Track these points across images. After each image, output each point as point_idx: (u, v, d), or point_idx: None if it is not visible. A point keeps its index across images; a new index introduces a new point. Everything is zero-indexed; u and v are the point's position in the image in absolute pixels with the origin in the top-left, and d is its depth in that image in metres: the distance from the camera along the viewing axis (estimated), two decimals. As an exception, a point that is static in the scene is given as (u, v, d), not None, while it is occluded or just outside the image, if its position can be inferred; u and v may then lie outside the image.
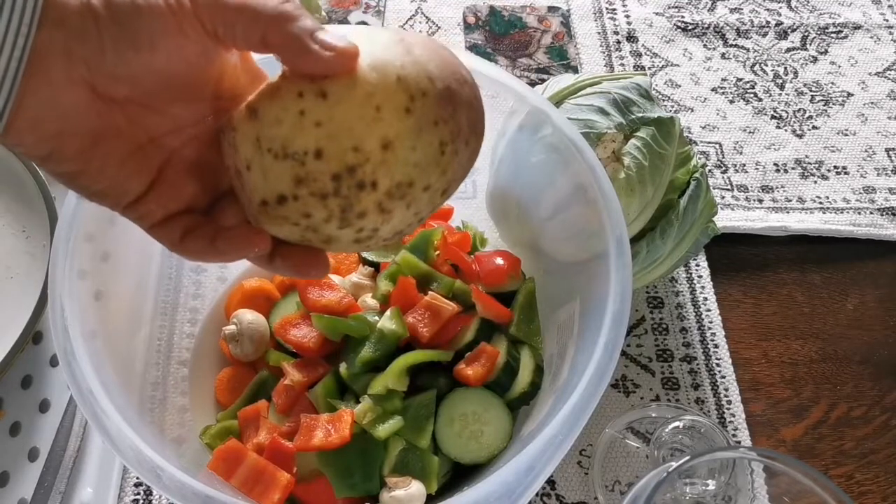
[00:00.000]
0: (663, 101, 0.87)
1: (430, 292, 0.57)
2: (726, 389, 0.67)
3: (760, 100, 0.87)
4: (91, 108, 0.32)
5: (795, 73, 0.90)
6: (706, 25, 0.94)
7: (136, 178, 0.34)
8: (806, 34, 0.94)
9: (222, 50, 0.34)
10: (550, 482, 0.62)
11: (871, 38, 0.93)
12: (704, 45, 0.92)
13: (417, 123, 0.33)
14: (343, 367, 0.55)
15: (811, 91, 0.88)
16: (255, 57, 0.37)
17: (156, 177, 0.35)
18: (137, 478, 0.60)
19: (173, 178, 0.36)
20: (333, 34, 0.32)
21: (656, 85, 0.88)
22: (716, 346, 0.70)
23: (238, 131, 0.34)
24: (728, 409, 0.66)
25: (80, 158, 0.32)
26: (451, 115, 0.34)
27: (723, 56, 0.91)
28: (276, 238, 0.36)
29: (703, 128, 0.85)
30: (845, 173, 0.82)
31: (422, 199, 0.35)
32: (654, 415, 0.64)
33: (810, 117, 0.86)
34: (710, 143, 0.84)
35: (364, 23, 0.93)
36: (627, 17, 0.95)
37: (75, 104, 0.31)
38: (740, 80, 0.89)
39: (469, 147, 0.36)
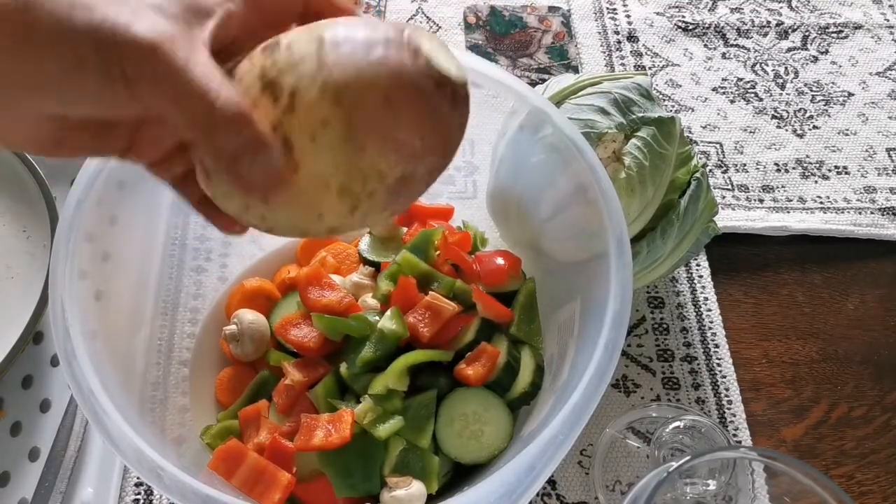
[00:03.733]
0: (664, 100, 0.87)
1: (430, 292, 0.57)
2: (727, 389, 0.67)
3: (761, 99, 0.87)
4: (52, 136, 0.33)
5: (796, 73, 0.90)
6: (707, 25, 0.94)
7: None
8: (807, 34, 0.94)
9: None
10: (551, 482, 0.62)
11: (872, 37, 0.93)
12: (705, 45, 0.92)
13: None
14: (343, 367, 0.55)
15: (812, 91, 0.88)
16: None
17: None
18: (138, 478, 0.60)
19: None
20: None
21: (657, 85, 0.88)
22: (716, 345, 0.69)
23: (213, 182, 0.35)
24: (729, 408, 0.66)
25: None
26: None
27: (723, 56, 0.91)
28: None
29: (704, 128, 0.85)
30: (846, 173, 0.82)
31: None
32: (654, 415, 0.64)
33: (811, 117, 0.86)
34: (710, 142, 0.84)
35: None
36: (628, 16, 0.95)
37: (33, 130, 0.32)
38: (741, 79, 0.89)
39: (423, 181, 0.36)
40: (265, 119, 0.32)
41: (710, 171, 0.81)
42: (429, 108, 0.33)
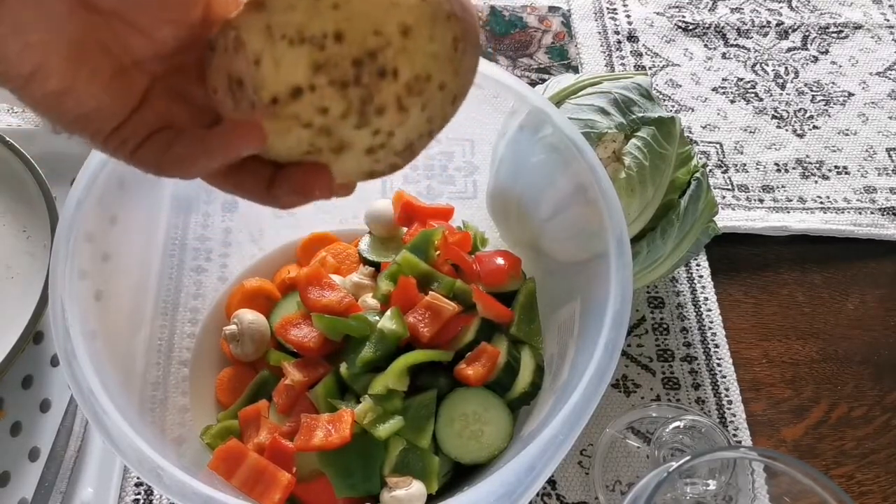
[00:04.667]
0: (664, 100, 0.87)
1: (430, 292, 0.57)
2: (727, 389, 0.67)
3: (761, 99, 0.87)
4: (74, 14, 0.29)
5: (796, 73, 0.90)
6: (707, 25, 0.94)
7: (120, 100, 0.32)
8: (807, 34, 0.94)
9: None
10: (551, 482, 0.62)
11: (872, 37, 0.93)
12: (705, 45, 0.92)
13: (433, 12, 0.32)
14: (343, 367, 0.55)
15: (812, 91, 0.88)
16: None
17: (138, 102, 0.33)
18: (138, 478, 0.60)
19: (157, 105, 0.33)
20: None
21: (657, 85, 0.88)
22: (716, 345, 0.69)
23: (243, 26, 0.31)
24: (729, 408, 0.66)
25: (67, 73, 0.30)
26: (460, 12, 0.33)
27: (723, 56, 0.91)
28: (273, 164, 0.34)
29: (704, 128, 0.85)
30: (846, 173, 0.82)
31: (436, 100, 0.33)
32: (654, 415, 0.64)
33: (811, 117, 0.86)
34: (710, 142, 0.84)
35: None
36: (628, 16, 0.95)
37: (58, 9, 0.29)
38: (741, 79, 0.89)
39: (474, 56, 0.34)
40: None
41: (710, 171, 0.81)
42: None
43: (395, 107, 0.32)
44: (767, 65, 0.90)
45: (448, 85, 0.33)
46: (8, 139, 0.69)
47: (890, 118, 0.86)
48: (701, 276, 0.74)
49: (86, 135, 0.32)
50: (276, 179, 0.33)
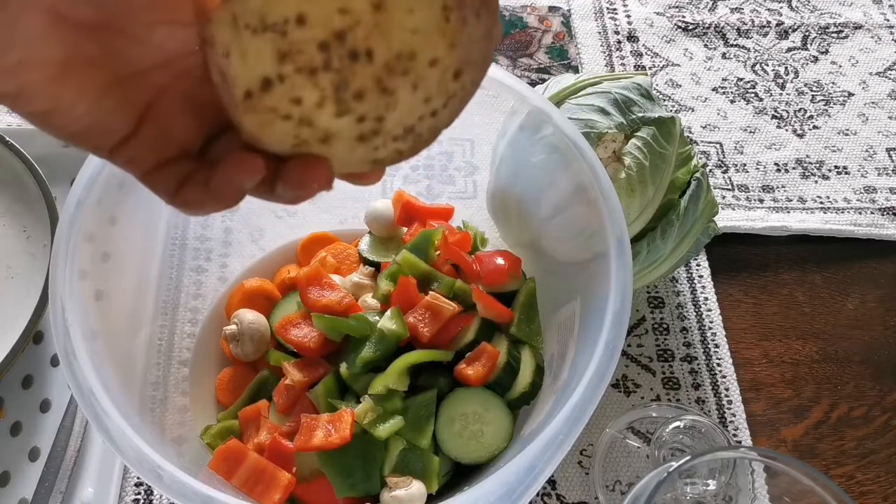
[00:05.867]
0: (664, 100, 0.87)
1: (430, 292, 0.57)
2: (727, 389, 0.67)
3: (761, 99, 0.87)
4: (54, 34, 0.28)
5: (796, 73, 0.90)
6: (707, 25, 0.94)
7: (117, 115, 0.31)
8: (807, 34, 0.94)
9: None
10: (551, 482, 0.62)
11: (872, 37, 0.93)
12: (705, 45, 0.92)
13: None
14: (343, 367, 0.55)
15: (812, 91, 0.88)
16: None
17: (143, 114, 0.32)
18: (138, 477, 0.60)
19: (164, 116, 0.32)
20: None
21: (657, 85, 0.88)
22: (716, 345, 0.70)
23: (214, 20, 0.29)
24: (728, 408, 0.66)
25: (50, 93, 0.29)
26: None
27: (723, 56, 0.91)
28: (272, 162, 0.32)
29: (704, 127, 0.85)
30: (846, 173, 0.82)
31: (429, 77, 0.30)
32: (654, 415, 0.64)
33: (811, 117, 0.86)
34: (710, 142, 0.84)
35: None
36: (628, 16, 0.95)
37: (35, 29, 0.27)
38: (741, 79, 0.89)
39: (481, 21, 0.31)
40: None
41: (710, 171, 0.81)
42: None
43: (376, 90, 0.29)
44: (767, 65, 0.90)
45: (442, 59, 0.30)
46: (8, 139, 0.69)
47: (890, 118, 0.86)
48: (701, 276, 0.74)
49: (89, 149, 0.32)
50: (277, 178, 0.32)
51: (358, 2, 0.28)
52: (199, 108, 0.33)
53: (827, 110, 0.87)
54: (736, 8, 0.96)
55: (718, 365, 0.68)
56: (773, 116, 0.86)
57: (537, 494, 0.61)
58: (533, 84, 0.74)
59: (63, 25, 0.28)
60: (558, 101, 0.63)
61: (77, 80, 0.29)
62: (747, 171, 0.81)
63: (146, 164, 0.32)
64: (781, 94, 0.88)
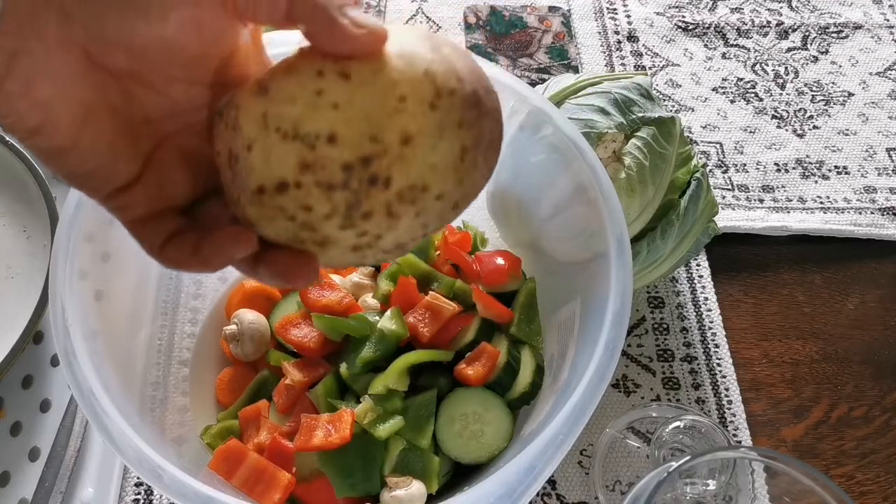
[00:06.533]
0: (664, 100, 0.87)
1: (430, 292, 0.57)
2: (727, 389, 0.67)
3: (761, 99, 0.87)
4: (86, 76, 0.29)
5: (796, 73, 0.90)
6: (707, 25, 0.94)
7: (125, 160, 0.32)
8: (807, 34, 0.94)
9: (238, 25, 0.31)
10: (551, 482, 0.62)
11: (872, 37, 0.93)
12: (705, 45, 0.92)
13: (441, 122, 0.30)
14: (343, 367, 0.55)
15: (812, 91, 0.88)
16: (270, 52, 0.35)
17: (145, 163, 0.32)
18: (138, 478, 0.60)
19: (163, 167, 0.33)
20: (363, 14, 0.30)
21: (657, 85, 0.88)
22: (716, 345, 0.70)
23: (242, 108, 0.31)
24: (728, 408, 0.66)
25: (72, 131, 0.30)
26: (475, 120, 0.31)
27: (723, 56, 0.91)
28: (262, 242, 0.33)
29: (704, 127, 0.85)
30: (846, 173, 0.82)
31: (433, 208, 0.32)
32: (654, 415, 0.64)
33: (811, 117, 0.86)
34: (710, 142, 0.84)
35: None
36: (628, 16, 0.95)
37: (70, 69, 0.28)
38: (741, 79, 0.89)
39: (487, 163, 0.33)
40: None
41: (710, 171, 0.81)
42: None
43: (383, 213, 0.31)
44: (767, 65, 0.90)
45: (448, 195, 0.32)
46: (8, 139, 0.69)
47: (890, 118, 0.86)
48: (701, 276, 0.74)
49: (88, 190, 0.32)
50: (262, 258, 0.33)
51: (390, 132, 0.29)
52: (195, 164, 0.34)
53: (827, 110, 0.87)
54: (736, 8, 0.96)
55: (718, 365, 0.68)
56: (773, 116, 0.86)
57: (537, 494, 0.61)
58: (533, 84, 0.74)
59: (95, 70, 0.29)
60: (558, 101, 0.63)
61: (97, 124, 0.30)
62: (747, 171, 0.81)
63: (137, 213, 0.32)
64: (781, 94, 0.88)
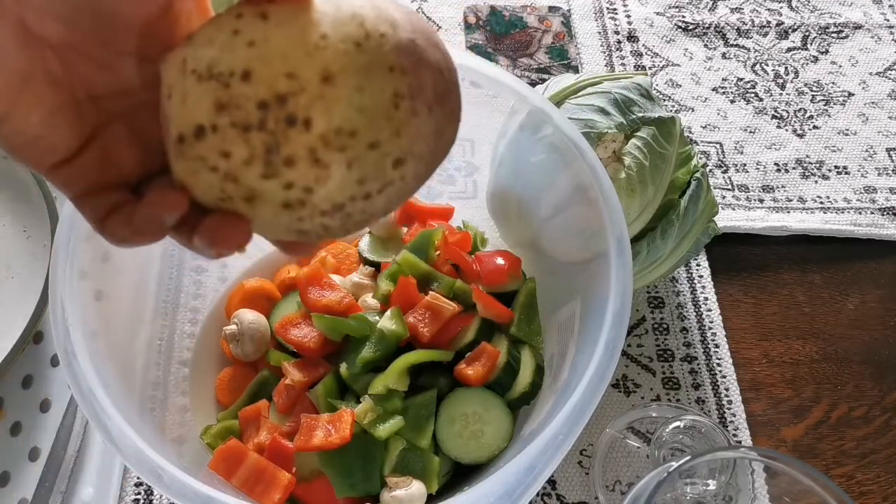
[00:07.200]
0: (664, 100, 0.87)
1: (430, 292, 0.57)
2: (727, 389, 0.67)
3: (761, 99, 0.87)
4: (23, 47, 0.29)
5: (796, 73, 0.90)
6: (707, 25, 0.94)
7: (65, 134, 0.31)
8: (807, 34, 0.94)
9: None
10: (551, 482, 0.62)
11: (872, 37, 0.93)
12: (705, 45, 0.92)
13: (368, 62, 0.28)
14: (343, 367, 0.55)
15: (812, 91, 0.88)
16: None
17: (89, 138, 0.32)
18: (138, 477, 0.60)
19: (109, 144, 0.32)
20: None
21: (657, 85, 0.88)
22: (716, 345, 0.70)
23: (166, 59, 0.30)
24: (728, 408, 0.66)
25: (6, 98, 0.29)
26: (412, 67, 0.29)
27: (723, 56, 0.91)
28: (195, 212, 0.31)
29: (704, 127, 0.85)
30: (846, 173, 0.82)
31: (367, 159, 0.29)
32: (654, 415, 0.64)
33: (811, 117, 0.86)
34: (710, 142, 0.84)
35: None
36: (628, 16, 0.95)
37: (3, 38, 0.28)
38: (741, 79, 0.89)
39: (434, 117, 0.31)
40: None
41: (710, 171, 0.81)
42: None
43: (307, 160, 0.29)
44: (767, 65, 0.90)
45: (383, 145, 0.29)
46: (8, 139, 0.69)
47: (890, 118, 0.86)
48: (701, 276, 0.74)
49: (27, 163, 0.31)
50: (196, 228, 0.32)
51: (308, 69, 0.28)
52: (147, 142, 0.33)
53: (827, 110, 0.87)
54: (736, 8, 0.96)
55: (718, 365, 0.68)
56: (773, 116, 0.86)
57: (537, 494, 0.61)
58: (533, 84, 0.74)
59: (30, 39, 0.29)
60: (558, 101, 0.63)
61: (34, 94, 0.29)
62: (747, 171, 0.81)
63: (80, 187, 0.32)
64: (781, 94, 0.88)
